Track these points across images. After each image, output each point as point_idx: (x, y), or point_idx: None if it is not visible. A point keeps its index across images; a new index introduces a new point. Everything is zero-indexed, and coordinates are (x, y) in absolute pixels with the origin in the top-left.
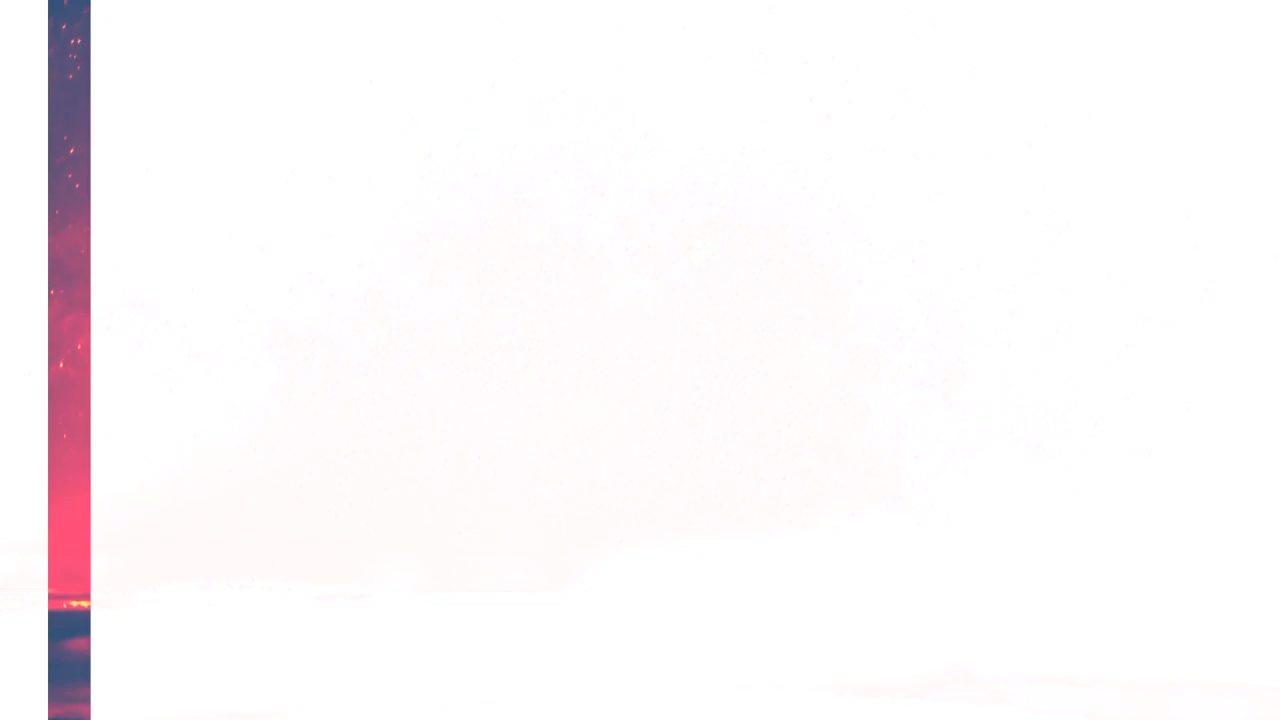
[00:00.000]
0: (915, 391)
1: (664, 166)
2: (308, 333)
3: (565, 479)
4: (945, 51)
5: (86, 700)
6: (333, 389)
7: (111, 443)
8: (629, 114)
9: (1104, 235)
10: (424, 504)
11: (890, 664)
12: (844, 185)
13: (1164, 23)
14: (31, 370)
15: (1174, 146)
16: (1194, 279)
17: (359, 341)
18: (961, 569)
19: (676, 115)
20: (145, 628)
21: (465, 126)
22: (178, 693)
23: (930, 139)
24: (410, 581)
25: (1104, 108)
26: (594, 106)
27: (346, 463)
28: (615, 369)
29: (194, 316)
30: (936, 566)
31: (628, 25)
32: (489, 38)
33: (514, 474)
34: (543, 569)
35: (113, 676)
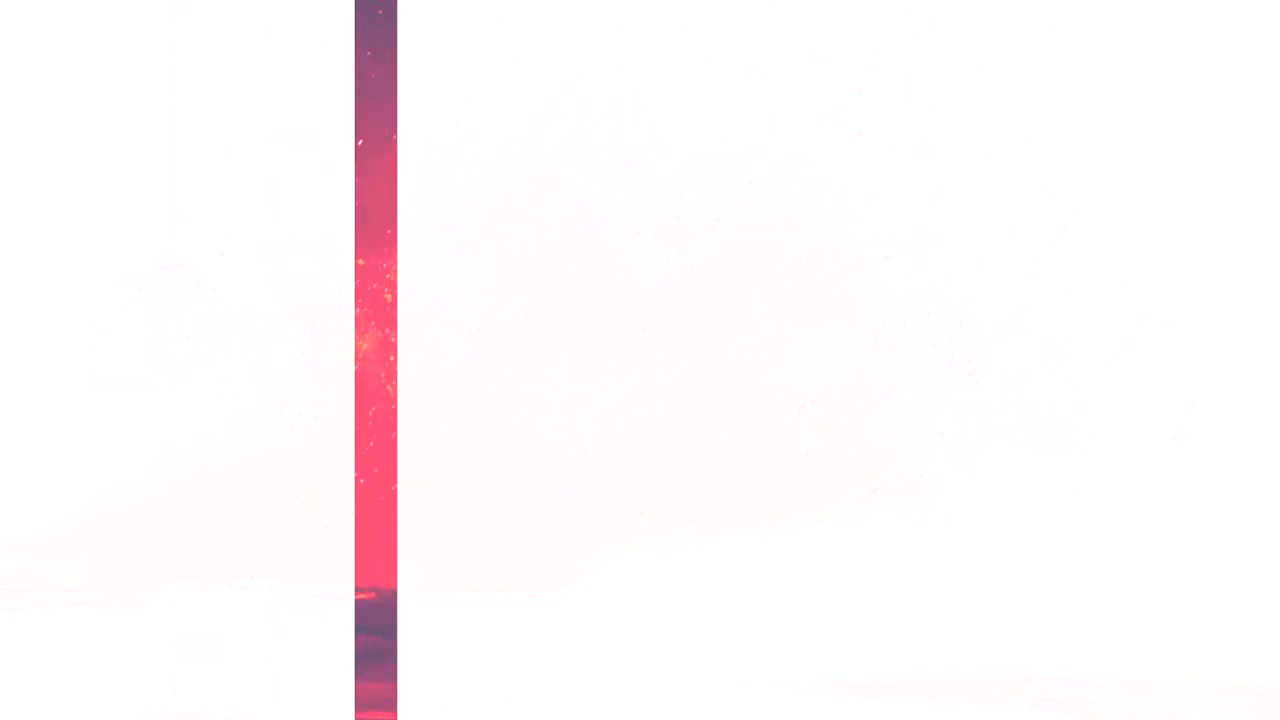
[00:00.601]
0: (940, 371)
1: (690, 145)
2: (329, 305)
3: (579, 467)
4: (978, 35)
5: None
6: (343, 387)
7: (97, 443)
8: (659, 92)
9: (1135, 217)
10: (428, 502)
11: (892, 663)
12: (871, 162)
13: (1186, 24)
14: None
15: (1206, 133)
16: (1218, 269)
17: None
18: (971, 562)
19: (706, 94)
20: (145, 628)
21: (495, 98)
22: (178, 692)
23: (958, 118)
24: (412, 581)
25: (1139, 93)
26: (623, 83)
27: (348, 461)
28: (636, 348)
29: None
30: (946, 559)
31: (657, 6)
32: (520, 10)
33: (526, 464)
34: (552, 564)
35: (115, 678)
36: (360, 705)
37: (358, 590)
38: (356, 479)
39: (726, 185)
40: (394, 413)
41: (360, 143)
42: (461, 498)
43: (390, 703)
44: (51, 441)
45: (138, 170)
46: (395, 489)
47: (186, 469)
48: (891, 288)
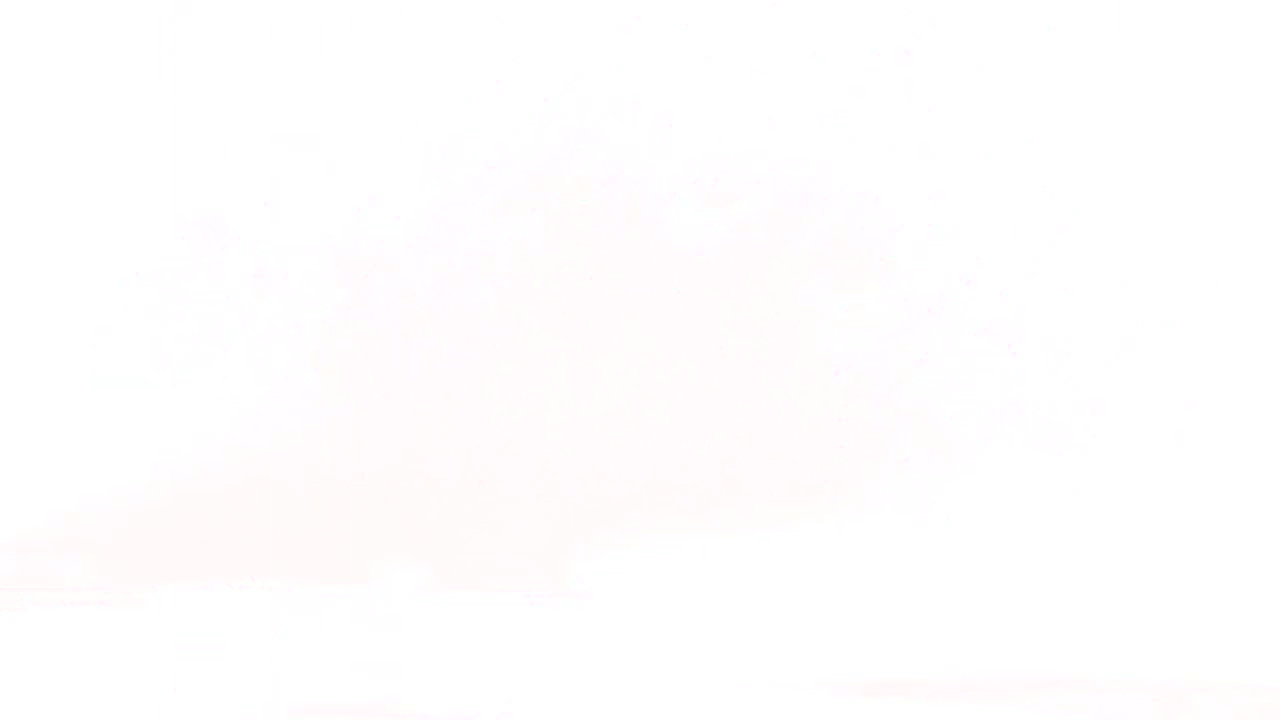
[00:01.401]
0: (976, 341)
1: (728, 112)
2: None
3: (579, 467)
4: (978, 35)
5: None
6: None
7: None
8: (700, 54)
9: (1135, 217)
10: (431, 500)
11: (892, 663)
12: (911, 130)
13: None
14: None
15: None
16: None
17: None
18: (971, 562)
19: (746, 59)
20: (145, 628)
21: (536, 56)
22: (178, 692)
23: (958, 118)
24: (414, 581)
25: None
26: (663, 45)
27: (351, 458)
28: (638, 344)
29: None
30: (946, 558)
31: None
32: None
33: (527, 464)
34: (552, 564)
35: (115, 678)
36: (360, 705)
37: (357, 590)
38: (359, 477)
39: (745, 166)
40: (394, 410)
41: None
42: (461, 498)
43: (390, 703)
44: (51, 441)
45: (154, 138)
46: (394, 486)
47: (186, 469)
48: (956, 236)
